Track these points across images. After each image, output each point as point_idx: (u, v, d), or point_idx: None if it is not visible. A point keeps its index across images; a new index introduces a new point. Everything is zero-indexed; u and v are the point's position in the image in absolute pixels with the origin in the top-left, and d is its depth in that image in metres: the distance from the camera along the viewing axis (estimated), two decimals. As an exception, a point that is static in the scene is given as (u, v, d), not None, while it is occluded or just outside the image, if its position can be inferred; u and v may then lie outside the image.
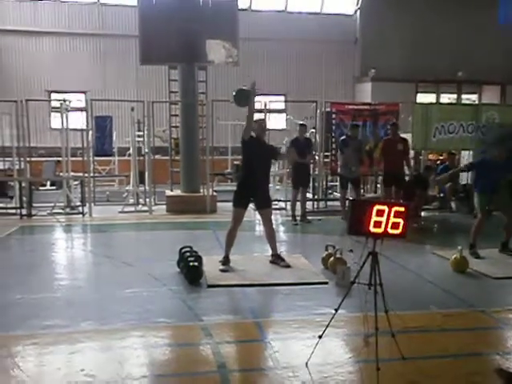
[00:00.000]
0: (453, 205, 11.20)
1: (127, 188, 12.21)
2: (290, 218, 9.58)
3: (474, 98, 19.67)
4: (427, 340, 4.27)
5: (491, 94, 19.31)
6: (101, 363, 3.84)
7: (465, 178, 11.90)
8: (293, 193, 9.66)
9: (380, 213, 3.57)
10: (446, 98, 19.26)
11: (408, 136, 11.05)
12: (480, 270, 6.20)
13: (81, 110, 11.29)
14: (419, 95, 18.81)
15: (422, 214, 10.62)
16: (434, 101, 18.31)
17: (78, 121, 11.13)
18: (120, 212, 10.57)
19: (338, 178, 10.47)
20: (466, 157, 12.13)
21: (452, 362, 3.86)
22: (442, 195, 11.48)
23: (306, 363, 3.69)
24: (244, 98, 6.00)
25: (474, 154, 10.74)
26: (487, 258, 6.67)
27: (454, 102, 18.71)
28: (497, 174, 6.77)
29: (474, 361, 3.89)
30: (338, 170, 10.15)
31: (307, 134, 10.13)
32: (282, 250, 6.86)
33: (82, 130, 10.87)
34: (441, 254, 6.95)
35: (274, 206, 9.60)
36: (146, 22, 10.63)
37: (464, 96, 19.46)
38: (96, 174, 12.99)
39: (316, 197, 11.32)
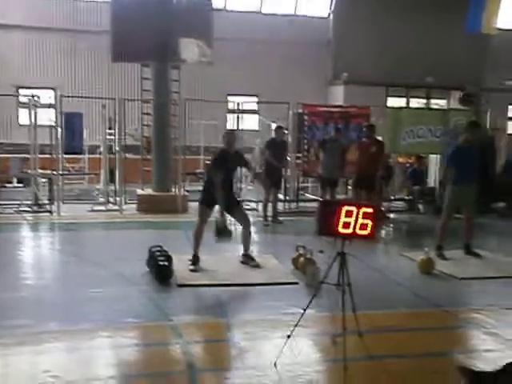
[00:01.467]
0: (420, 207, 11.45)
1: (97, 186, 12.03)
2: (262, 219, 9.62)
3: (442, 103, 20.11)
4: (394, 339, 4.35)
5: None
6: (67, 364, 3.78)
7: (432, 180, 12.18)
8: (265, 194, 9.69)
9: (349, 214, 3.62)
10: (415, 103, 19.63)
11: (378, 139, 11.23)
12: (446, 271, 6.34)
13: (50, 106, 11.07)
14: (389, 99, 19.12)
15: (391, 215, 10.84)
16: (403, 105, 18.64)
17: (47, 117, 10.91)
18: (89, 211, 10.41)
19: (319, 180, 10.42)
20: (434, 161, 12.42)
21: (418, 361, 3.94)
22: (410, 197, 11.72)
23: (275, 363, 3.71)
24: (226, 236, 6.04)
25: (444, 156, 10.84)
26: (453, 260, 6.83)
27: (424, 106, 19.10)
28: (469, 161, 6.75)
29: (438, 359, 3.98)
30: (319, 170, 10.16)
31: (285, 137, 10.20)
32: (252, 250, 6.87)
33: (50, 126, 10.66)
34: (408, 255, 7.08)
35: (245, 207, 9.64)
36: (118, 19, 10.51)
37: (433, 101, 19.89)
38: (65, 172, 12.75)
39: (288, 198, 11.39)
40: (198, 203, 6.46)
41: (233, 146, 6.41)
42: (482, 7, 11.83)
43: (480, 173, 7.09)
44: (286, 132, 11.11)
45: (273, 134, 9.99)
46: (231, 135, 6.60)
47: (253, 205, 11.04)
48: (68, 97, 11.35)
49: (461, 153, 6.88)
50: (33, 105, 10.37)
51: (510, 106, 19.66)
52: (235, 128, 10.79)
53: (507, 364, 3.11)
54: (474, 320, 4.80)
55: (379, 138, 10.14)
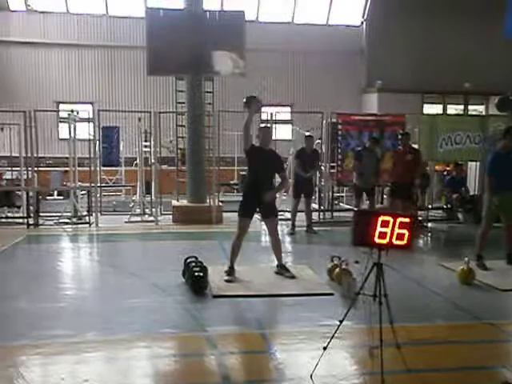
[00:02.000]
0: (460, 216, 11.15)
1: (134, 198, 12.26)
2: (290, 227, 9.55)
3: (480, 109, 19.64)
4: (433, 352, 4.22)
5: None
6: (105, 374, 3.84)
7: (472, 188, 11.86)
8: (293, 202, 9.65)
9: (385, 224, 3.56)
10: (452, 109, 19.25)
11: (415, 147, 11.06)
12: (487, 281, 6.14)
13: (88, 120, 11.39)
14: (426, 106, 18.81)
15: (429, 224, 10.60)
16: (440, 112, 18.30)
17: (85, 131, 11.23)
18: (126, 222, 10.60)
19: (354, 189, 10.25)
20: (474, 168, 12.10)
21: (458, 375, 3.82)
22: (449, 206, 11.44)
23: (311, 375, 3.66)
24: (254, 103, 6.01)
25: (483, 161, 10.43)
26: (494, 270, 6.61)
27: (461, 113, 18.69)
28: (508, 168, 6.57)
29: (480, 374, 3.85)
30: (354, 180, 10.08)
31: (315, 146, 10.15)
32: (287, 260, 6.84)
33: (89, 140, 10.96)
34: (447, 265, 6.90)
35: (279, 217, 9.62)
36: (153, 34, 10.73)
37: (471, 107, 19.44)
38: (103, 184, 13.05)
39: (322, 207, 11.30)
40: (237, 215, 6.29)
41: (268, 142, 6.30)
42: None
43: None
44: (318, 141, 11.06)
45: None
46: (267, 130, 6.45)
47: (287, 215, 11.00)
48: (105, 111, 11.65)
49: (499, 159, 6.69)
50: (72, 119, 10.69)
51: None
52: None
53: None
54: (517, 333, 4.63)
55: (415, 146, 9.97)
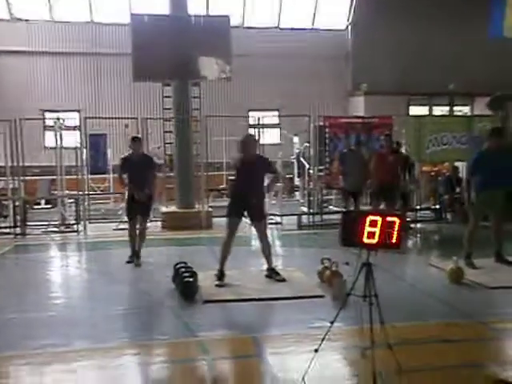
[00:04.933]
0: (448, 216, 11.22)
1: (122, 205, 12.16)
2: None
3: (466, 109, 19.83)
4: (424, 351, 4.23)
5: (483, 106, 19.45)
6: (95, 382, 3.79)
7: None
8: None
9: (373, 223, 3.56)
10: (438, 111, 19.42)
11: (402, 148, 11.10)
12: (476, 280, 6.17)
13: (75, 128, 11.31)
14: (412, 108, 18.95)
15: (418, 225, 10.65)
16: (426, 113, 18.45)
17: (72, 139, 11.15)
18: (115, 229, 10.53)
19: (342, 191, 10.25)
20: (460, 168, 12.18)
21: (450, 374, 3.82)
22: (438, 206, 11.49)
23: (303, 378, 3.64)
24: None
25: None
26: (483, 268, 6.65)
27: (447, 114, 18.87)
28: (494, 167, 6.58)
29: (472, 372, 3.85)
30: (340, 183, 10.04)
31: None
32: (277, 263, 6.83)
33: (76, 148, 10.87)
34: (437, 264, 6.94)
35: (269, 220, 9.61)
36: (138, 40, 10.71)
37: (456, 108, 19.63)
38: (91, 192, 12.95)
39: (311, 210, 11.32)
40: (226, 217, 6.32)
41: (248, 152, 6.13)
42: (502, 11, 11.67)
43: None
44: (307, 144, 11.01)
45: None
46: (245, 141, 6.21)
47: (277, 218, 11.00)
48: (92, 118, 11.58)
49: (484, 159, 6.75)
50: (58, 127, 10.61)
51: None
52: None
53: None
54: (506, 331, 4.65)
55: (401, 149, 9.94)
